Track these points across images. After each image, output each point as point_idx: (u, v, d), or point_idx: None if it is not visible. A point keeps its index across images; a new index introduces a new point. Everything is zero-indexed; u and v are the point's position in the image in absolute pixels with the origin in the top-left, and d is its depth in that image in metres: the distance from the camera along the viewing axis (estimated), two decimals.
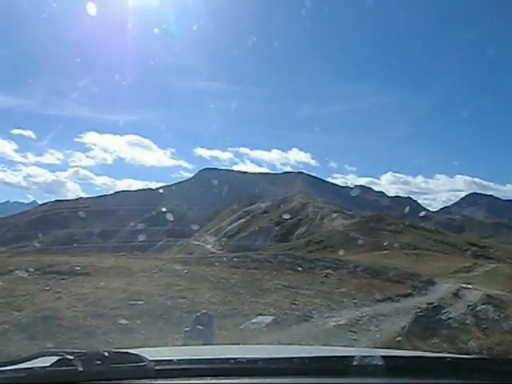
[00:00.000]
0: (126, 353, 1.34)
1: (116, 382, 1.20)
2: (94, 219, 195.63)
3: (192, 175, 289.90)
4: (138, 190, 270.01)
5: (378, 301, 14.09)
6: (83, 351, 1.35)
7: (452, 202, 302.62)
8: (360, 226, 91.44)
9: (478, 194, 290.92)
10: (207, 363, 1.31)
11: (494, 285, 21.35)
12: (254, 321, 9.32)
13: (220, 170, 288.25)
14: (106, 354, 1.27)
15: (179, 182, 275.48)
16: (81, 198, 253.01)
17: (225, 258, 19.14)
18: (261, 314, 10.04)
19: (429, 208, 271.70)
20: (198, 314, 7.19)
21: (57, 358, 1.24)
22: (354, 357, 1.28)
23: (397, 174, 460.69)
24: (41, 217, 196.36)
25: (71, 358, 1.22)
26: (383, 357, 1.28)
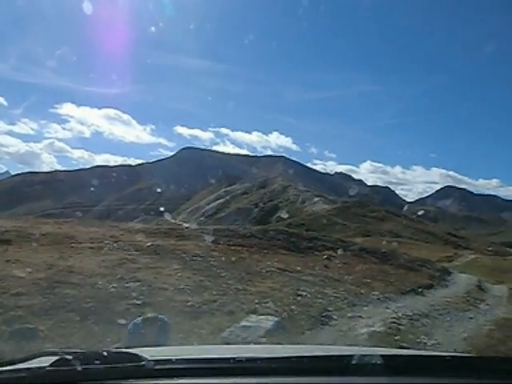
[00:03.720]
0: (125, 352, 1.31)
1: (115, 381, 1.15)
2: (70, 193, 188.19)
3: (172, 153, 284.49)
4: (117, 165, 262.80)
5: (402, 293, 10.70)
6: (82, 351, 1.35)
7: (427, 194, 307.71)
8: (342, 211, 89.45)
9: (452, 187, 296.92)
10: (207, 363, 1.28)
11: (481, 275, 18.85)
12: (244, 324, 5.67)
13: (200, 149, 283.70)
14: (105, 353, 1.24)
15: (159, 160, 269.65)
16: (56, 170, 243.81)
17: (202, 231, 15.38)
18: (254, 312, 6.39)
19: (405, 198, 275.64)
20: (139, 319, 3.51)
21: (55, 357, 1.21)
22: (353, 356, 1.24)
23: (376, 164, 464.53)
24: (13, 187, 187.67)
25: (70, 357, 1.19)
26: (382, 356, 1.25)
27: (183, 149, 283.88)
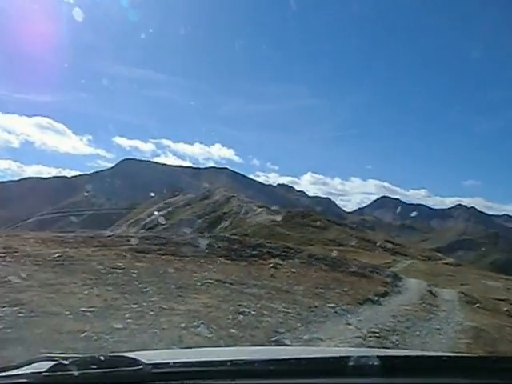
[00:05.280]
0: (122, 356, 1.29)
1: None
2: None
3: (111, 165, 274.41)
4: (51, 177, 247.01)
5: (359, 303, 9.37)
6: (79, 356, 1.30)
7: (365, 204, 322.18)
8: (286, 221, 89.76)
9: (387, 197, 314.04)
10: (204, 366, 1.27)
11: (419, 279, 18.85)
12: None
13: (141, 161, 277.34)
14: (102, 358, 1.22)
15: (97, 172, 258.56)
16: None
17: (130, 239, 13.14)
18: (178, 342, 4.54)
19: (345, 208, 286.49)
20: None
21: (52, 363, 1.18)
22: (350, 357, 1.23)
23: (316, 175, 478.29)
24: None
25: (67, 363, 1.16)
26: (379, 357, 1.24)
27: (123, 160, 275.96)
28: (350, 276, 13.11)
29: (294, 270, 12.07)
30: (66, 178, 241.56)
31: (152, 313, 5.96)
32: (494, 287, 24.16)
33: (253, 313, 6.55)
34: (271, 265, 12.12)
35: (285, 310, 7.10)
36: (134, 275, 8.72)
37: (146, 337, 4.72)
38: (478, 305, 14.26)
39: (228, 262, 11.88)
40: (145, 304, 6.50)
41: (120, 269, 9.08)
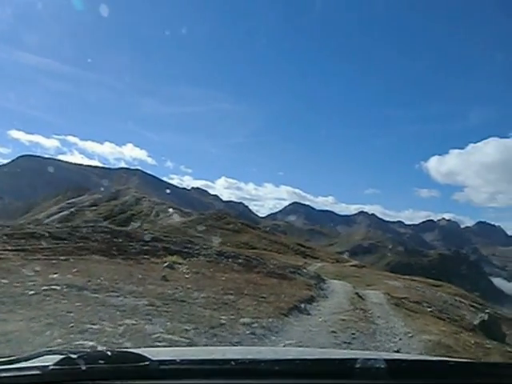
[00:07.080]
0: (130, 352, 1.28)
1: (120, 381, 1.13)
2: None
3: (6, 161, 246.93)
4: None
5: (283, 314, 6.71)
6: (87, 350, 1.33)
7: (277, 210, 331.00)
8: (198, 223, 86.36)
9: (298, 203, 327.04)
10: (211, 364, 1.27)
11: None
12: None
13: (43, 158, 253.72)
14: (109, 353, 1.22)
15: None
16: None
17: None
18: None
19: (258, 213, 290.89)
20: None
21: (60, 357, 1.17)
22: (356, 359, 1.21)
23: (230, 180, 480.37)
24: None
25: (75, 357, 1.16)
26: (386, 360, 1.22)
27: (21, 156, 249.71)
28: (269, 278, 10.50)
29: (196, 270, 9.06)
30: None
31: None
32: (396, 286, 24.20)
33: (100, 348, 3.45)
34: (166, 264, 8.97)
35: (168, 335, 4.08)
36: None
37: None
38: (405, 307, 12.76)
39: (105, 259, 8.45)
40: None
41: None
